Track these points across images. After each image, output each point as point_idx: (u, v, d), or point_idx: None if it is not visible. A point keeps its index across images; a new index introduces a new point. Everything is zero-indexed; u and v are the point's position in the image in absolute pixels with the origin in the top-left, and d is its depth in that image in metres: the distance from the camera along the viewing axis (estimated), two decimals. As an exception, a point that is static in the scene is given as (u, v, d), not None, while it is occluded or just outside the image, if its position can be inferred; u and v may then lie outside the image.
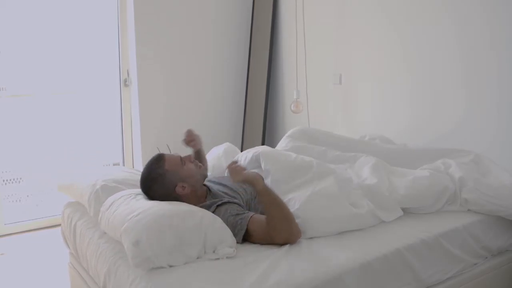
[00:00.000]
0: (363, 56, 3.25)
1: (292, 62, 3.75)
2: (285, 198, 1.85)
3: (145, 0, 3.65)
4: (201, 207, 1.85)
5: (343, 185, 1.99)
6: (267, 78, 3.93)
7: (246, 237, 1.77)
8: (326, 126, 3.41)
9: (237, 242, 1.75)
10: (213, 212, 1.82)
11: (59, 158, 3.75)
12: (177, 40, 3.84)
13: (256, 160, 2.13)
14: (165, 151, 4.13)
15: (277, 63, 3.98)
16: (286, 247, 1.72)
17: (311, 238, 1.81)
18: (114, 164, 3.95)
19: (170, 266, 1.57)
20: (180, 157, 1.92)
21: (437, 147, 2.54)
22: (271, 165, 2.02)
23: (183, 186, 1.86)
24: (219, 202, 1.86)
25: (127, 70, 3.80)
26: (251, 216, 1.77)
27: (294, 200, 1.87)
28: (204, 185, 1.99)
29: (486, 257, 2.05)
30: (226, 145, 2.62)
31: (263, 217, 1.75)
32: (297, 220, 1.77)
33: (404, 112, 3.03)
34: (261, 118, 3.95)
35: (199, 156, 2.27)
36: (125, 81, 3.80)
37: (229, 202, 1.86)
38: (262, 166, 2.04)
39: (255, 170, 2.11)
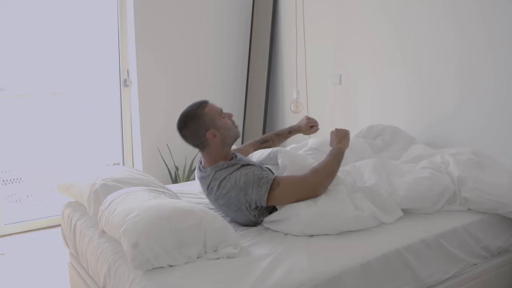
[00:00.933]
0: (363, 56, 3.25)
1: (292, 62, 3.75)
2: None
3: (145, 0, 3.65)
4: (223, 164, 1.93)
5: (347, 187, 2.00)
6: (267, 78, 3.93)
7: (270, 193, 1.83)
8: (326, 126, 3.40)
9: (261, 204, 1.84)
10: (237, 169, 1.90)
11: (59, 158, 3.76)
12: (177, 40, 3.84)
13: (273, 157, 2.13)
14: (165, 151, 4.16)
15: (277, 63, 3.98)
16: (286, 244, 1.74)
17: (311, 236, 1.82)
18: (114, 164, 3.95)
19: (170, 266, 1.57)
20: (222, 109, 2.00)
21: (436, 151, 2.54)
22: (288, 162, 2.03)
23: (214, 134, 1.93)
24: (245, 163, 1.94)
25: (127, 70, 3.80)
26: (276, 176, 1.89)
27: None
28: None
29: (486, 257, 2.05)
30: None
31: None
32: (299, 216, 1.82)
33: (404, 112, 3.03)
34: (261, 118, 3.95)
35: (285, 137, 2.45)
36: (125, 81, 3.80)
37: (255, 166, 1.94)
38: (279, 161, 2.05)
39: (269, 167, 2.13)
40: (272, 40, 3.92)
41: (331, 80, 3.50)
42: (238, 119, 4.18)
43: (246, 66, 4.15)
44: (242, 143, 4.12)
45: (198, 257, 1.63)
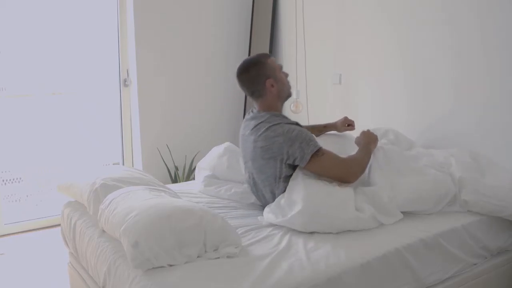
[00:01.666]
0: (363, 56, 3.26)
1: (292, 62, 3.75)
2: (306, 182, 1.93)
3: (145, 0, 3.65)
4: (279, 114, 2.07)
5: (352, 188, 2.01)
6: (267, 78, 3.93)
7: (313, 157, 1.91)
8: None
9: (300, 162, 1.92)
10: (292, 124, 2.03)
11: (59, 158, 3.76)
12: (176, 40, 3.84)
13: None
14: (165, 151, 4.16)
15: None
16: (286, 244, 1.74)
17: (311, 236, 1.82)
18: (113, 164, 3.95)
19: (170, 266, 1.57)
20: (282, 66, 2.16)
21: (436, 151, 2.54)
22: None
23: (272, 85, 2.06)
24: (301, 124, 2.08)
25: (127, 70, 3.80)
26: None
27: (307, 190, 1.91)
28: None
29: (486, 257, 2.05)
30: (226, 144, 2.62)
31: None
32: (301, 212, 1.84)
33: (403, 112, 3.03)
34: (261, 118, 3.95)
35: (320, 130, 2.51)
36: (125, 81, 3.80)
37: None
38: None
39: None
40: (272, 40, 3.92)
41: (331, 80, 3.50)
42: (238, 119, 4.19)
43: (246, 66, 4.14)
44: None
45: (198, 257, 1.63)
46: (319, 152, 1.93)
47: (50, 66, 3.60)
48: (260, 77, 2.05)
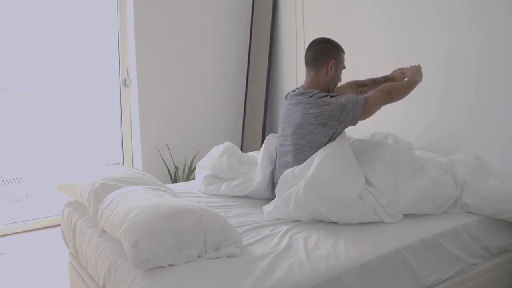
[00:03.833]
0: (362, 57, 3.26)
1: (292, 62, 3.75)
2: (324, 160, 2.01)
3: (145, 0, 3.66)
4: (321, 91, 2.16)
5: (363, 180, 2.05)
6: (267, 78, 3.93)
7: (364, 105, 2.13)
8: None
9: (355, 113, 2.11)
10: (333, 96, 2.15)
11: (59, 158, 3.76)
12: (176, 40, 3.84)
13: None
14: (164, 151, 4.16)
15: (277, 63, 3.98)
16: (286, 243, 1.74)
17: (311, 236, 1.82)
18: (113, 164, 3.95)
19: (170, 266, 1.57)
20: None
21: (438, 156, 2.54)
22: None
23: (331, 68, 2.23)
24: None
25: (127, 70, 3.80)
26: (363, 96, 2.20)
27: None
28: None
29: (486, 257, 2.05)
30: (226, 144, 2.63)
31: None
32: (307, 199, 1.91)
33: (402, 111, 3.03)
34: (261, 118, 3.95)
35: (381, 84, 2.53)
36: (125, 81, 3.80)
37: None
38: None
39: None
40: (272, 40, 3.92)
41: (331, 80, 3.50)
42: (238, 119, 4.19)
43: (246, 66, 4.15)
44: (242, 143, 4.12)
45: (198, 257, 1.63)
46: (365, 103, 2.13)
47: (50, 66, 3.61)
48: (330, 54, 2.23)
